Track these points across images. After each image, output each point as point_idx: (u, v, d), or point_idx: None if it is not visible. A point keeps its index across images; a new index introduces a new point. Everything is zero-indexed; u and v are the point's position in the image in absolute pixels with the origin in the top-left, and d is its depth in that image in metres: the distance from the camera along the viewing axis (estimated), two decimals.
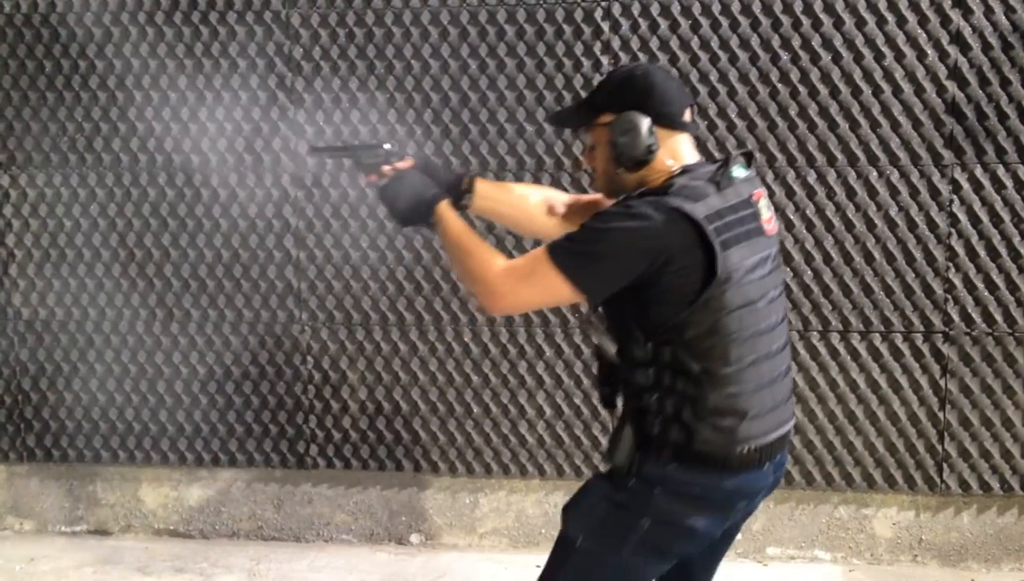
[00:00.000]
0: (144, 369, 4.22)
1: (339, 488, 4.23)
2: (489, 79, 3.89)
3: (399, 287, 4.04)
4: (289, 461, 4.20)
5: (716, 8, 3.73)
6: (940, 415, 3.82)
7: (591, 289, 2.14)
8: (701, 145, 3.64)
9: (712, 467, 2.16)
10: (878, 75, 3.69)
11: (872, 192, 3.75)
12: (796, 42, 3.71)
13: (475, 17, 3.86)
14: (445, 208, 2.39)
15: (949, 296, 3.76)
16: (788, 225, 3.79)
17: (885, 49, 3.68)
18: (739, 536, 2.60)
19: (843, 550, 3.97)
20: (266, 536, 4.29)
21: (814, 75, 3.72)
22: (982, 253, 3.73)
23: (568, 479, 4.04)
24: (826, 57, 3.70)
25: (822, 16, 3.68)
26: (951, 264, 3.75)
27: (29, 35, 4.10)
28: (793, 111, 3.75)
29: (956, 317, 3.77)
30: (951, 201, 3.72)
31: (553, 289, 2.15)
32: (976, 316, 3.76)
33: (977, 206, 3.71)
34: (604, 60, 3.81)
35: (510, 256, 2.37)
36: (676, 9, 3.76)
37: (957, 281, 3.75)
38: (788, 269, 3.80)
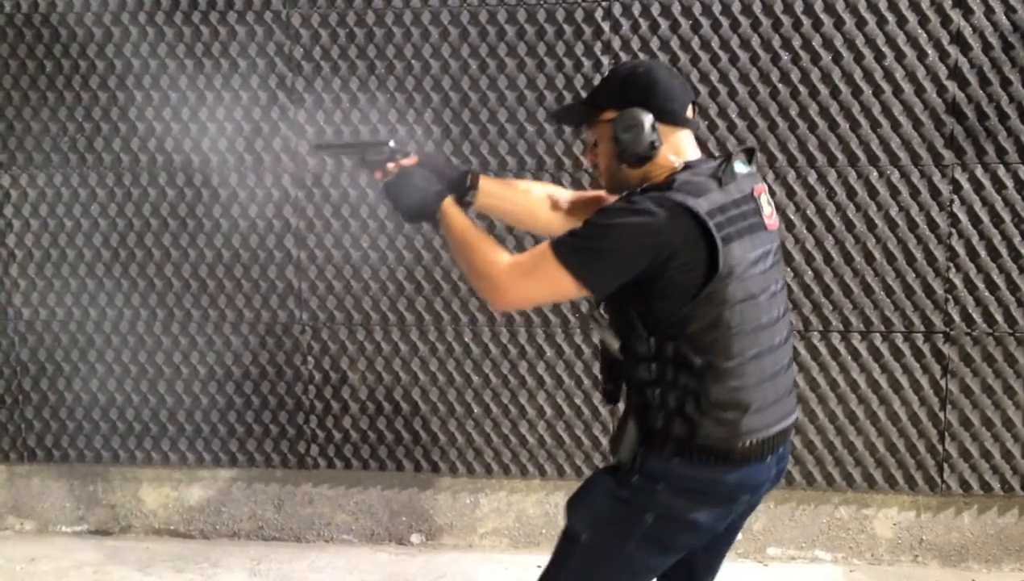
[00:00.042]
0: (145, 369, 4.22)
1: (340, 488, 4.23)
2: (490, 79, 3.90)
3: (400, 287, 4.04)
4: (290, 461, 4.20)
5: (717, 8, 3.74)
6: (941, 415, 3.83)
7: (595, 284, 2.17)
8: (702, 145, 3.63)
9: (715, 461, 2.18)
10: (879, 75, 3.69)
11: (873, 192, 3.75)
12: (797, 42, 3.72)
13: (475, 17, 3.86)
14: (449, 204, 2.41)
15: (950, 296, 3.76)
16: (789, 225, 3.79)
17: (886, 49, 3.68)
18: (740, 536, 2.60)
19: (844, 550, 3.97)
20: (267, 536, 4.28)
21: (815, 75, 3.72)
22: (983, 253, 3.73)
23: (569, 479, 4.04)
24: (827, 57, 3.71)
25: (823, 16, 3.68)
26: (952, 264, 3.75)
27: (30, 35, 4.10)
28: (794, 111, 3.76)
29: (957, 317, 3.77)
30: (952, 201, 3.72)
31: (557, 284, 2.17)
32: (977, 316, 3.76)
33: (978, 206, 3.71)
34: (605, 60, 3.82)
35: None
36: (677, 9, 3.76)
37: (958, 281, 3.75)
38: (789, 269, 3.80)
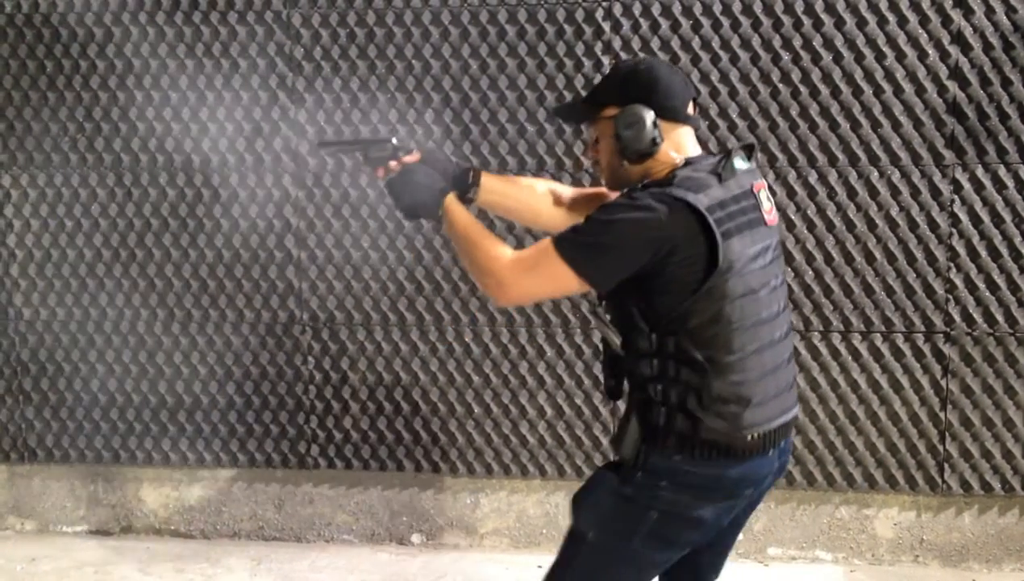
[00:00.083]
0: (146, 369, 4.22)
1: (340, 488, 4.23)
2: (490, 79, 3.90)
3: (400, 287, 4.04)
4: (290, 461, 4.20)
5: (717, 8, 3.74)
6: (941, 415, 3.82)
7: (597, 279, 2.19)
8: (703, 145, 3.63)
9: (718, 455, 2.20)
10: (879, 75, 3.70)
11: (873, 192, 3.75)
12: (797, 42, 3.72)
13: (476, 17, 3.87)
14: (452, 201, 2.44)
15: (950, 296, 3.76)
16: (790, 225, 3.79)
17: (886, 49, 3.68)
18: (740, 536, 2.60)
19: (844, 550, 3.97)
20: (267, 536, 4.28)
21: (815, 75, 3.73)
22: (983, 253, 3.73)
23: (569, 479, 4.04)
24: (827, 57, 3.71)
25: (823, 16, 3.69)
26: (952, 264, 3.75)
27: (30, 35, 4.11)
28: (794, 111, 3.76)
29: (957, 317, 3.77)
30: (952, 201, 3.72)
31: (559, 280, 2.19)
32: (977, 316, 3.76)
33: (978, 206, 3.71)
34: (605, 60, 3.82)
35: None
36: (677, 9, 3.76)
37: (958, 281, 3.75)
38: (790, 269, 3.80)
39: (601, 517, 2.28)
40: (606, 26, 3.81)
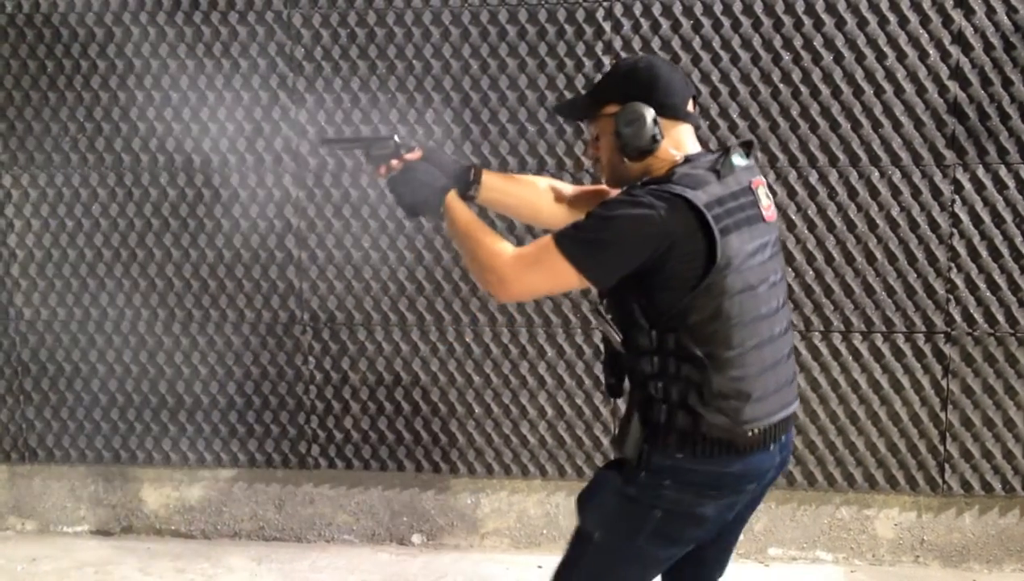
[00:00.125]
0: (146, 369, 4.22)
1: (341, 488, 4.22)
2: (491, 79, 3.90)
3: (401, 287, 4.04)
4: (291, 461, 4.20)
5: (718, 8, 3.74)
6: (942, 415, 3.82)
7: (598, 276, 2.20)
8: (703, 145, 3.64)
9: (719, 451, 2.21)
10: (880, 75, 3.70)
11: (874, 192, 3.75)
12: (798, 42, 3.72)
13: (477, 17, 3.87)
14: (453, 198, 2.45)
15: (951, 296, 3.76)
16: (790, 225, 3.79)
17: (887, 49, 3.68)
18: (741, 536, 2.60)
19: (845, 551, 3.96)
20: (268, 536, 4.28)
21: (816, 75, 3.73)
22: (984, 253, 3.73)
23: (570, 479, 4.04)
24: (828, 57, 3.71)
25: (824, 16, 3.69)
26: (953, 264, 3.75)
27: (31, 35, 4.11)
28: (795, 111, 3.76)
29: (958, 317, 3.77)
30: (953, 201, 3.72)
31: (560, 276, 2.20)
32: (978, 316, 3.76)
33: (979, 206, 3.71)
34: (606, 60, 3.82)
35: None
36: (678, 9, 3.77)
37: (959, 281, 3.75)
38: (790, 269, 3.80)
39: (606, 517, 2.30)
40: (607, 26, 3.81)
